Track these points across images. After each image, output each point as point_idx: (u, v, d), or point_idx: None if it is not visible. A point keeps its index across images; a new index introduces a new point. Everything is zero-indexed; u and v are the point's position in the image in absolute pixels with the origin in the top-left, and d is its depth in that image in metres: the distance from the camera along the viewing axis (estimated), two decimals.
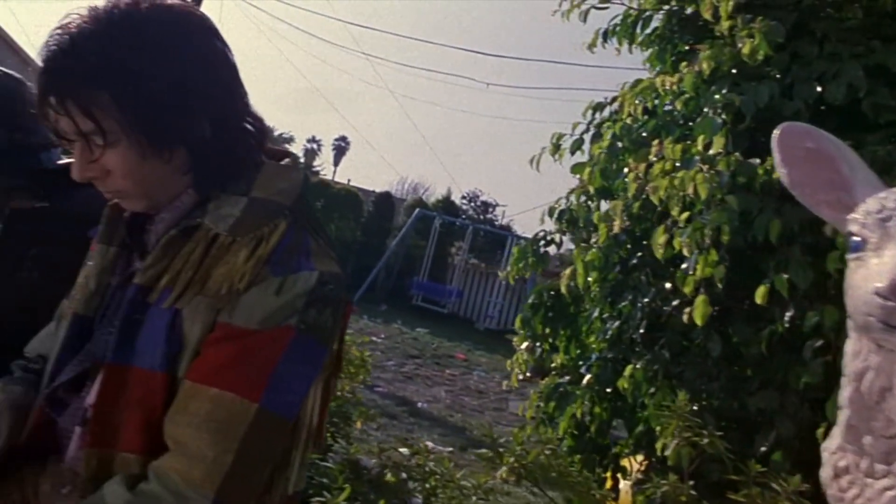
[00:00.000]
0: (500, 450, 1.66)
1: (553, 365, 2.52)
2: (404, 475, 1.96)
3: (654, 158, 1.68)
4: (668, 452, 1.46)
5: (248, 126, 0.93)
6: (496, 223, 16.62)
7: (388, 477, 1.71)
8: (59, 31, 0.85)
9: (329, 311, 0.87)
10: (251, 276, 0.84)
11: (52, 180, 1.42)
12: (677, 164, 1.64)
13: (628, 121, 1.99)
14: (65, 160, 1.50)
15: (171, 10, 0.87)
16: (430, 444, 3.17)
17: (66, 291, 1.27)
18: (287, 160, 0.97)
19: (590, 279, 2.15)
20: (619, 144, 1.95)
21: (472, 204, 17.38)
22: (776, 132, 1.20)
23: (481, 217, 16.77)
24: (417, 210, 13.53)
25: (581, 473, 1.77)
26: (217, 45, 0.89)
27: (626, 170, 2.00)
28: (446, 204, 15.09)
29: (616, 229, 1.87)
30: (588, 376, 2.14)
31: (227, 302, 0.84)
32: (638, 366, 1.80)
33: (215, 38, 0.90)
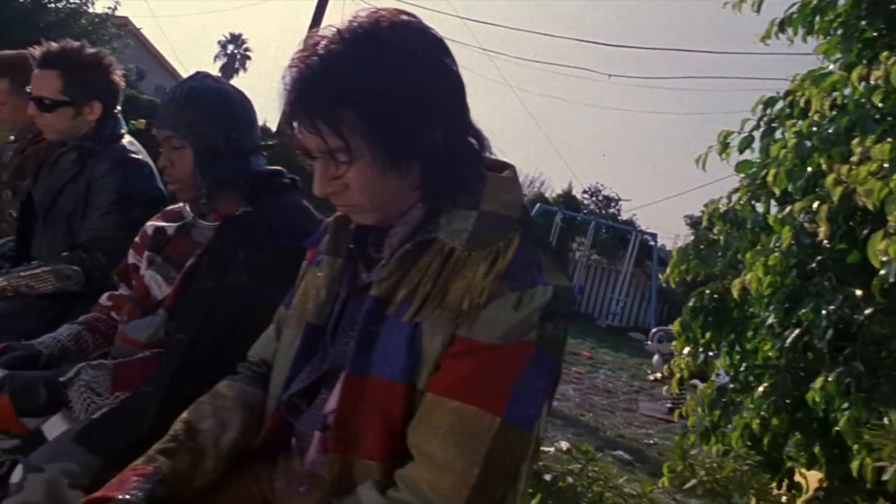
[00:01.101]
0: (690, 462, 1.61)
1: (716, 371, 2.41)
2: (570, 480, 1.96)
3: (858, 159, 1.56)
4: (886, 477, 1.35)
5: (471, 139, 0.96)
6: (619, 218, 16.17)
7: (562, 483, 1.71)
8: (305, 52, 0.88)
9: (562, 324, 0.88)
10: (490, 291, 0.86)
11: (258, 183, 1.53)
12: (885, 165, 1.51)
13: (815, 117, 1.86)
14: (269, 167, 1.61)
15: (410, 28, 0.90)
16: (565, 444, 3.14)
17: (273, 295, 1.36)
18: (507, 171, 0.98)
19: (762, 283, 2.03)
20: (808, 143, 1.83)
21: (594, 199, 16.99)
22: None
23: (603, 212, 16.37)
24: (538, 205, 13.42)
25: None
26: (448, 61, 0.92)
27: (809, 169, 1.88)
28: (567, 199, 14.87)
29: (822, 235, 1.76)
30: (763, 385, 2.04)
31: (467, 316, 0.86)
32: (829, 378, 1.69)
33: (447, 54, 0.92)
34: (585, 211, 15.61)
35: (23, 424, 1.39)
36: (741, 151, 2.25)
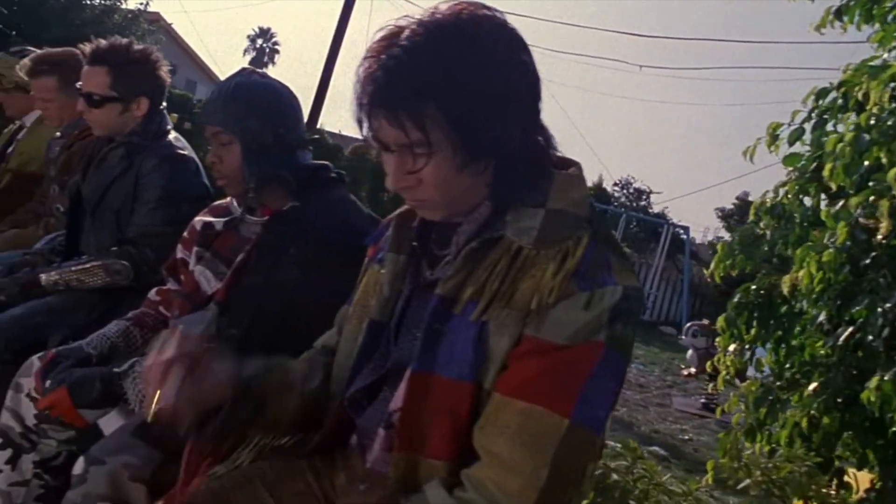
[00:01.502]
0: (745, 463, 1.58)
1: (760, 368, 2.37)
2: (615, 477, 1.94)
3: None
4: None
5: (541, 137, 0.94)
6: (650, 211, 15.97)
7: (608, 480, 1.69)
8: (386, 43, 0.86)
9: (631, 325, 0.87)
10: (560, 291, 0.84)
11: (305, 178, 1.53)
12: None
13: (874, 110, 1.80)
14: (316, 161, 1.61)
15: (494, 22, 0.88)
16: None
17: (323, 290, 1.36)
18: (573, 168, 0.96)
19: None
20: (867, 137, 1.77)
21: (625, 191, 16.80)
22: None
23: (634, 204, 16.18)
24: None
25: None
26: (527, 57, 0.90)
27: (866, 163, 1.82)
28: (598, 191, 14.74)
29: (883, 231, 1.71)
30: (814, 384, 1.99)
31: (536, 316, 0.85)
32: (885, 377, 1.64)
33: (526, 50, 0.90)
34: (616, 204, 15.46)
35: (82, 417, 1.42)
36: (791, 144, 2.19)
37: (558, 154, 0.97)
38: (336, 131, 15.76)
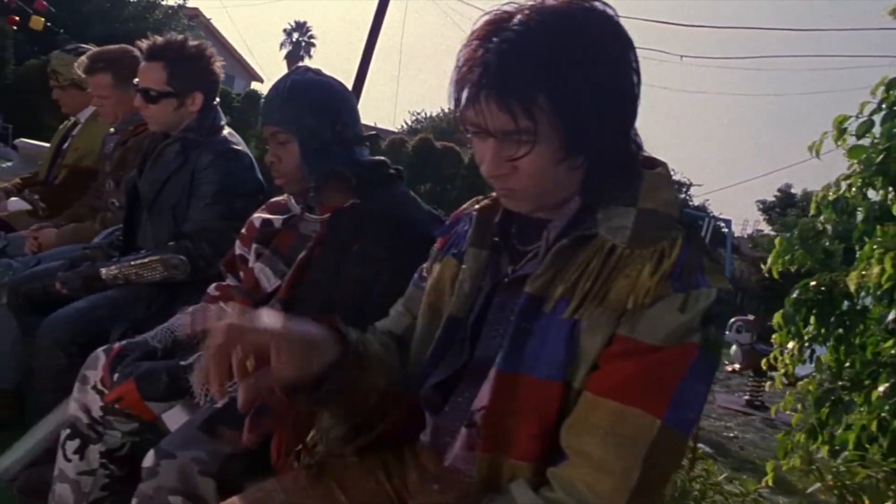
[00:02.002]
0: (816, 466, 1.54)
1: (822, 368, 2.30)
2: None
3: None
4: None
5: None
6: (690, 203, 15.69)
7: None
8: (493, 26, 0.84)
9: (723, 328, 0.85)
10: (656, 292, 0.83)
11: (365, 175, 1.53)
12: None
13: None
14: (374, 157, 1.60)
15: (605, 17, 0.86)
16: None
17: (388, 286, 1.35)
18: (660, 168, 0.94)
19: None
20: None
21: None
22: None
23: None
24: None
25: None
26: (632, 55, 0.88)
27: None
28: None
29: None
30: (884, 385, 1.92)
31: (630, 316, 0.83)
32: None
33: (632, 48, 0.88)
34: None
35: (149, 409, 1.44)
36: (860, 137, 2.12)
37: (644, 153, 0.95)
38: (372, 124, 15.82)
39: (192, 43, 2.10)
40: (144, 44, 2.09)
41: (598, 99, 0.83)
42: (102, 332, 1.89)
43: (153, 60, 2.06)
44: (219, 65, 2.15)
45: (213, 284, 1.79)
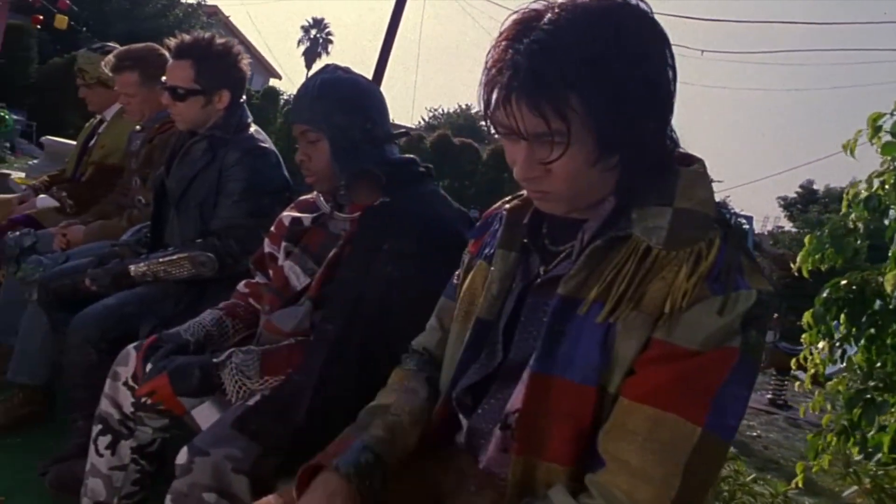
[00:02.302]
0: (853, 469, 1.51)
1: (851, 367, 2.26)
2: None
3: None
4: None
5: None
6: None
7: None
8: (522, 26, 0.82)
9: (763, 331, 0.83)
10: (693, 295, 0.81)
11: (394, 173, 1.52)
12: None
13: None
14: (403, 156, 1.60)
15: (639, 12, 0.84)
16: None
17: (420, 285, 1.34)
18: (696, 165, 0.91)
19: None
20: None
21: None
22: None
23: None
24: None
25: None
26: (669, 51, 0.85)
27: None
28: None
29: None
30: None
31: (667, 319, 0.82)
32: None
33: (668, 44, 0.86)
34: None
35: (181, 404, 1.45)
36: (895, 135, 2.07)
37: (680, 150, 0.93)
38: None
39: (219, 41, 2.11)
40: (172, 42, 2.09)
41: (633, 97, 0.80)
42: (132, 328, 1.91)
43: (181, 58, 2.07)
44: (245, 63, 2.16)
45: (243, 281, 1.80)
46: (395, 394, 1.06)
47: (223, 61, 2.09)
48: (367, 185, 1.51)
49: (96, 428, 1.65)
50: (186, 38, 2.09)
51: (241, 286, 1.76)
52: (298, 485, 0.94)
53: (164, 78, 2.11)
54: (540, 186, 0.88)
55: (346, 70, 1.60)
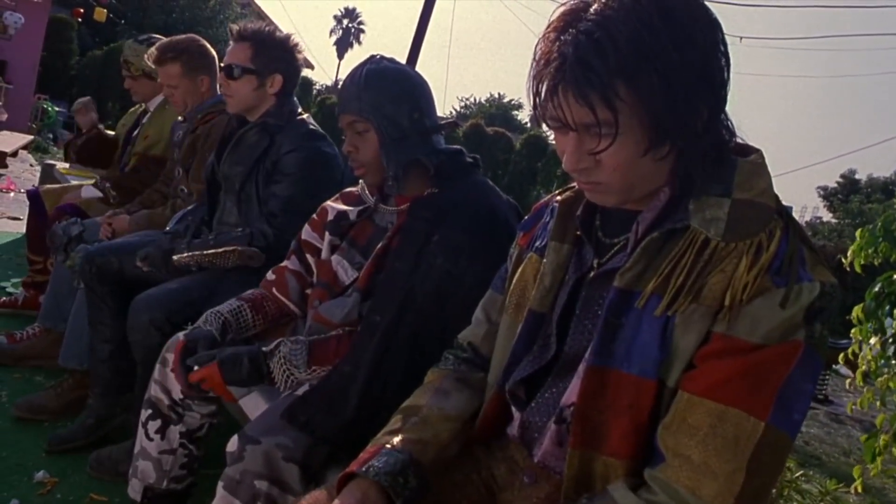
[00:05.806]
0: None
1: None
2: None
3: None
4: None
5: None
6: None
7: None
8: (570, 16, 0.82)
9: (828, 324, 0.80)
10: (754, 287, 0.79)
11: (443, 163, 1.51)
12: None
13: None
14: (450, 146, 1.58)
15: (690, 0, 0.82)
16: None
17: (470, 277, 1.34)
18: (754, 155, 0.89)
19: None
20: None
21: None
22: None
23: None
24: None
25: None
26: (721, 37, 0.83)
27: None
28: None
29: None
30: None
31: (728, 313, 0.80)
32: None
33: (721, 31, 0.83)
34: None
35: (231, 392, 1.47)
36: None
37: (738, 140, 0.91)
38: None
39: (280, 32, 2.15)
40: (234, 28, 2.13)
41: (683, 85, 0.79)
42: (194, 314, 1.92)
43: (241, 41, 2.11)
44: (302, 56, 2.19)
45: (272, 269, 1.78)
46: (427, 394, 1.06)
47: (281, 47, 2.13)
48: (416, 176, 1.51)
49: (146, 412, 1.68)
50: (250, 24, 2.14)
51: (269, 274, 1.76)
52: (337, 492, 0.94)
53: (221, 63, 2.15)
54: (590, 177, 0.87)
55: (392, 60, 1.59)
